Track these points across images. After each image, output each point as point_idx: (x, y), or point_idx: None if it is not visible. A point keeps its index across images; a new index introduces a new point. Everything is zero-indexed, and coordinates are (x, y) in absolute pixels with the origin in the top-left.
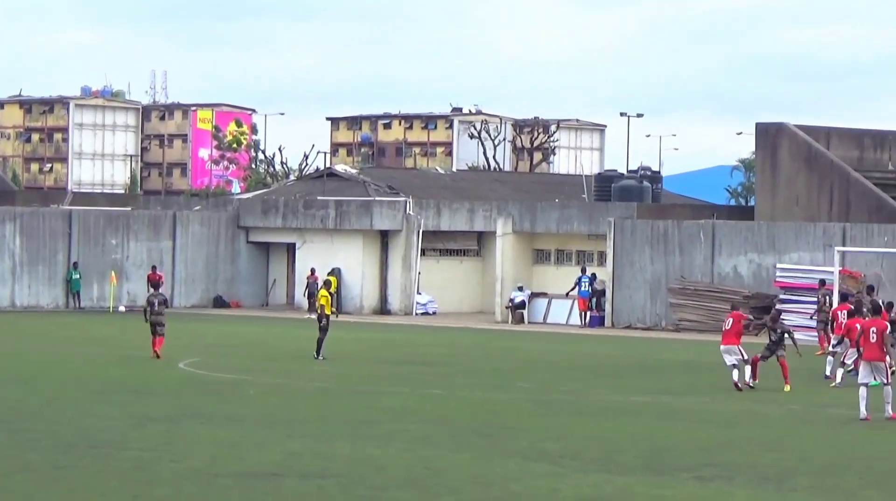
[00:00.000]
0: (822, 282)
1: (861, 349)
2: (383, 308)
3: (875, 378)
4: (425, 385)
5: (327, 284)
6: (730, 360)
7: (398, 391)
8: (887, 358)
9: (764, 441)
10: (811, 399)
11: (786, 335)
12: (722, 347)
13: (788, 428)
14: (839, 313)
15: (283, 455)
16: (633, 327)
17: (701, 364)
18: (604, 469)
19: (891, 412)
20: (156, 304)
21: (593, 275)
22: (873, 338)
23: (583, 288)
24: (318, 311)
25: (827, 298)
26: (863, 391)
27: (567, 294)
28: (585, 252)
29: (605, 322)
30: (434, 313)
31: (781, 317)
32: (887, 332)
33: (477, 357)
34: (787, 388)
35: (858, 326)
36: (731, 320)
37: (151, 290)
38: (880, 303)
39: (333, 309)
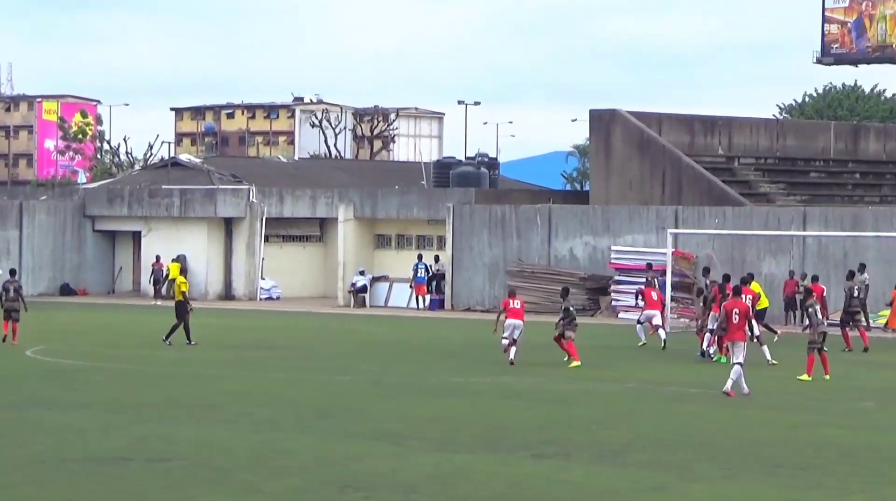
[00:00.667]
0: (649, 265)
1: (724, 330)
2: (228, 294)
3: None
4: (270, 369)
5: (182, 271)
6: None
7: (243, 375)
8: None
9: (600, 419)
10: (646, 377)
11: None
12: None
13: (624, 406)
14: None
15: (130, 440)
16: (472, 309)
17: (539, 345)
18: (444, 448)
19: (729, 388)
20: (11, 291)
21: (436, 257)
22: (735, 319)
23: (419, 275)
24: (182, 297)
25: (656, 279)
26: (738, 368)
27: (410, 285)
28: (426, 237)
29: (444, 305)
30: (278, 298)
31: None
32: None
33: (320, 341)
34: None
35: (722, 308)
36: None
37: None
38: (740, 281)
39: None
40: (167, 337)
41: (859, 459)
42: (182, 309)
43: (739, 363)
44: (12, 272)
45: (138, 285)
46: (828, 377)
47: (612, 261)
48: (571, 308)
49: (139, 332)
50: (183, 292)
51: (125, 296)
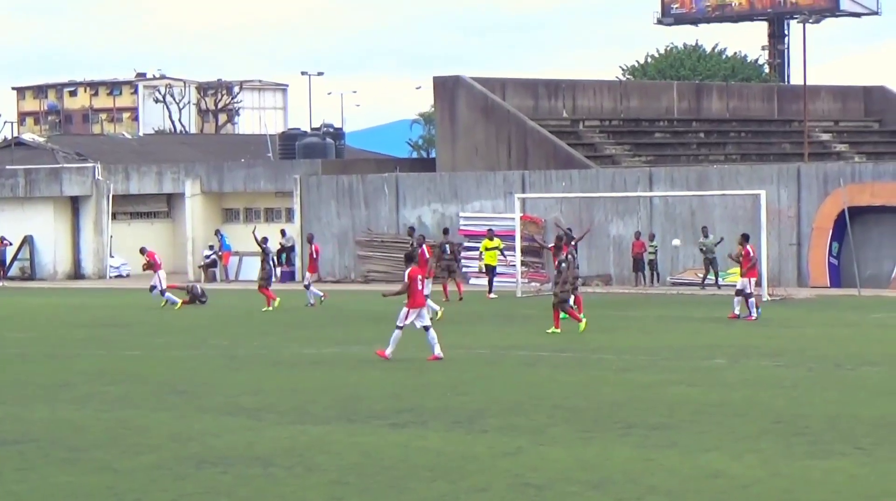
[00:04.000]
0: (490, 231)
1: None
2: (77, 273)
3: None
4: (121, 347)
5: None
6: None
7: (94, 353)
8: None
9: (453, 385)
10: (497, 343)
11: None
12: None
13: (476, 372)
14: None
15: None
16: (322, 280)
17: (390, 314)
18: (299, 420)
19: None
20: None
21: (283, 230)
22: None
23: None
24: None
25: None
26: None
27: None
28: (274, 210)
29: (295, 277)
30: (128, 275)
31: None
32: None
33: (170, 317)
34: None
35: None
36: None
37: None
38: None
39: None
40: None
41: (712, 416)
42: None
43: None
44: None
45: None
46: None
47: (462, 227)
48: (564, 263)
49: None
50: None
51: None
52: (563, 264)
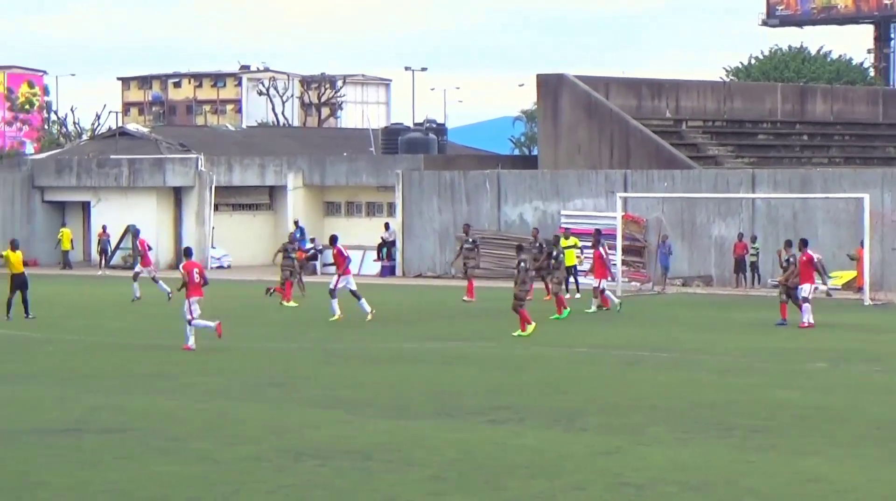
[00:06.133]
0: (598, 232)
1: None
2: (179, 263)
3: None
4: (221, 338)
5: (14, 244)
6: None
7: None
8: None
9: (552, 383)
10: (597, 341)
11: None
12: None
13: (575, 370)
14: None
15: (82, 411)
16: (423, 275)
17: (490, 310)
18: (397, 414)
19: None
20: None
21: (386, 224)
22: None
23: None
24: (16, 269)
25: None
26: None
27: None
28: (375, 204)
29: (395, 271)
30: (228, 266)
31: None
32: None
33: (271, 309)
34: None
35: None
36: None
37: None
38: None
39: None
40: (8, 312)
41: (812, 420)
42: (19, 282)
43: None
44: None
45: (88, 256)
46: (524, 332)
47: (563, 225)
48: (523, 264)
49: (89, 302)
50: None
51: (75, 266)
52: (524, 265)
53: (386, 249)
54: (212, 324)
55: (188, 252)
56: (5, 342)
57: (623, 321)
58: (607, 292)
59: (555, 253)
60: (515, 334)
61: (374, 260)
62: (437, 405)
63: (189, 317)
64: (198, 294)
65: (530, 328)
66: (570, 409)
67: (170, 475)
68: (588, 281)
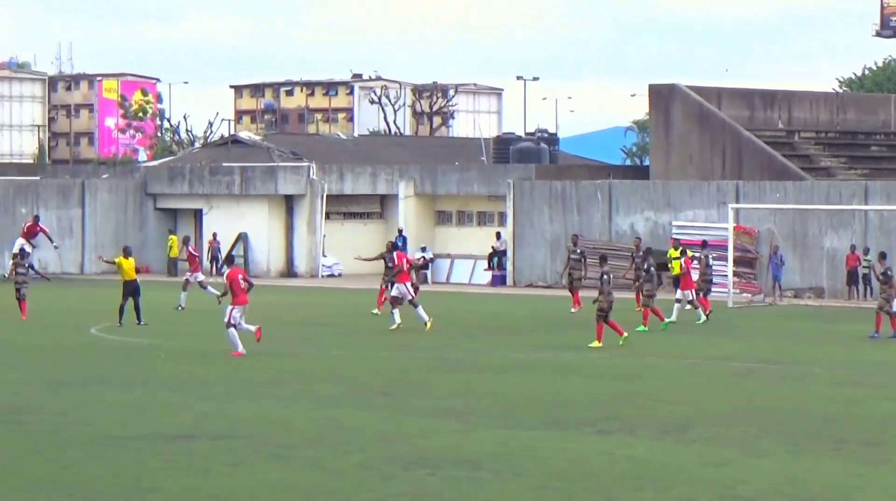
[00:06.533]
0: (704, 243)
1: None
2: (290, 271)
3: None
4: (331, 346)
5: (127, 251)
6: None
7: (304, 352)
8: None
9: (663, 394)
10: (708, 353)
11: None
12: None
13: (686, 382)
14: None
15: (194, 417)
16: (534, 285)
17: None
18: (508, 424)
19: None
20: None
21: (497, 233)
22: None
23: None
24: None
25: (709, 257)
26: None
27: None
28: (486, 213)
29: (506, 281)
30: (339, 275)
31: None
32: None
33: (381, 318)
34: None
35: None
36: None
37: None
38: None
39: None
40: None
41: None
42: (131, 288)
43: None
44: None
45: (199, 263)
46: (626, 335)
47: (674, 236)
48: (605, 275)
49: (200, 309)
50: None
51: (186, 273)
52: (606, 277)
53: (497, 258)
54: (241, 347)
55: (231, 260)
56: (118, 348)
57: (735, 332)
58: (677, 306)
59: (646, 265)
60: (591, 345)
61: (485, 269)
62: (547, 415)
63: (227, 320)
64: (242, 302)
65: (622, 338)
66: (681, 420)
67: (280, 482)
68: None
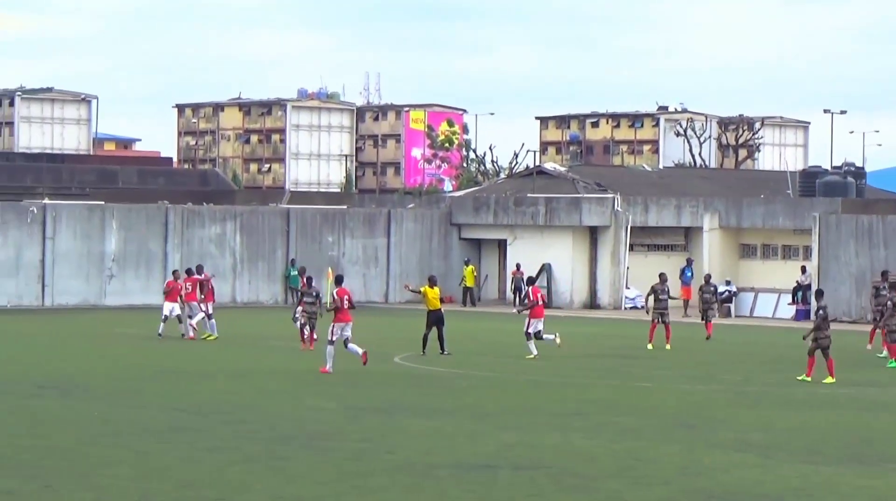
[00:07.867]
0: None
1: None
2: (593, 303)
3: None
4: (633, 378)
5: (432, 280)
6: None
7: (608, 383)
8: None
9: None
10: None
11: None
12: None
13: None
14: None
15: (496, 447)
16: (839, 320)
17: None
18: (810, 460)
19: None
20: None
21: (803, 268)
22: None
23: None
24: (433, 305)
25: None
26: None
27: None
28: (791, 247)
29: (810, 315)
30: (642, 307)
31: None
32: None
33: (683, 350)
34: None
35: None
36: None
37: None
38: None
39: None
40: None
41: None
42: (435, 318)
43: None
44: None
45: (503, 294)
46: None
47: None
48: (822, 311)
49: (503, 340)
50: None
51: (490, 304)
52: (822, 313)
53: (801, 292)
54: (330, 366)
55: (339, 279)
56: (421, 377)
57: None
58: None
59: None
60: (800, 378)
61: (789, 304)
62: (851, 450)
63: (330, 338)
64: (345, 319)
65: (829, 381)
66: None
67: None
68: None
